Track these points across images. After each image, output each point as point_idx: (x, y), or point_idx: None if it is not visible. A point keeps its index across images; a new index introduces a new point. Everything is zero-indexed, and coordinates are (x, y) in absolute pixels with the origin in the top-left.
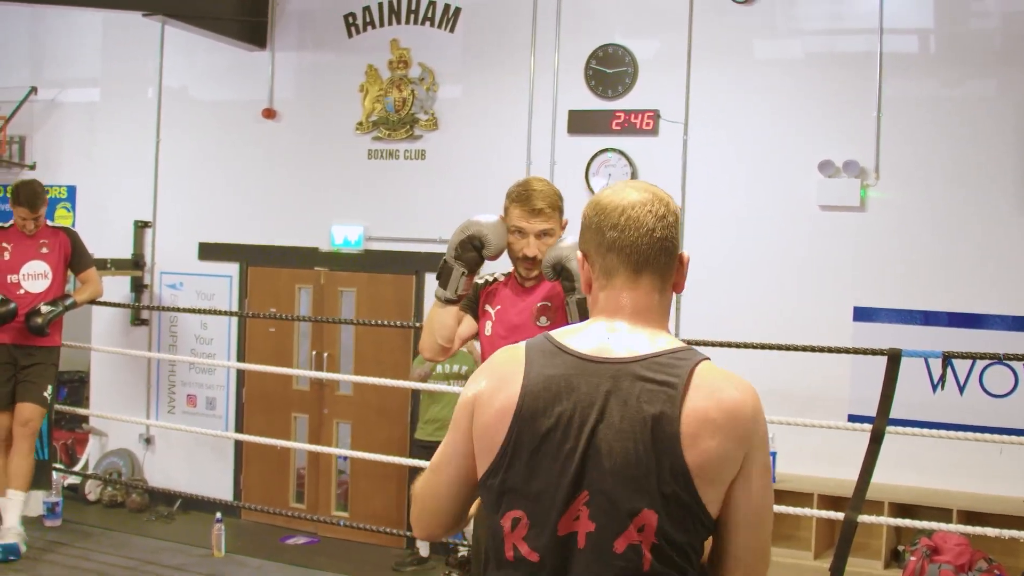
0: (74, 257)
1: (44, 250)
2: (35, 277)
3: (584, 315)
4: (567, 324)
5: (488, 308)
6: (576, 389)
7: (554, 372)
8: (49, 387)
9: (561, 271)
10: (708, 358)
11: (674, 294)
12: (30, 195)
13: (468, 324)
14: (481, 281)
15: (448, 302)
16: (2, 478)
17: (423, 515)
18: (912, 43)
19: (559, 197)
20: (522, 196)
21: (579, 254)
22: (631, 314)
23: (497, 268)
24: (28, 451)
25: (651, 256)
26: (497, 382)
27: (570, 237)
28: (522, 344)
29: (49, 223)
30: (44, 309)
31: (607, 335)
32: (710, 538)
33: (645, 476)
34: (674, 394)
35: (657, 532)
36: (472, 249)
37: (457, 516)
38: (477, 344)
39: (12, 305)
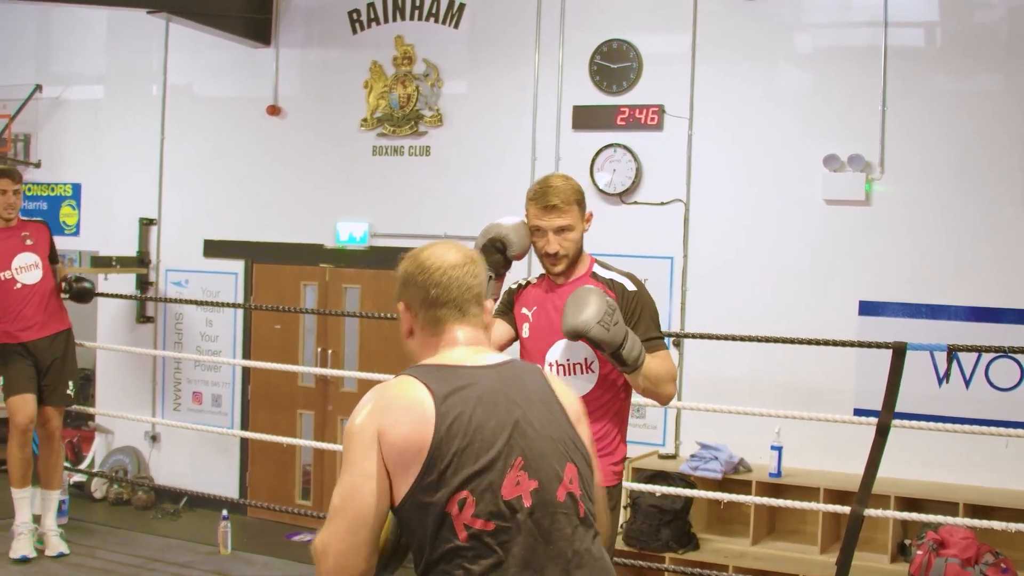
0: (52, 247)
1: (29, 242)
2: (27, 269)
3: (623, 363)
4: None
5: (525, 311)
6: (477, 383)
7: (454, 379)
8: (71, 383)
9: (587, 340)
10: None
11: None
12: (9, 168)
13: (504, 329)
14: (514, 286)
15: None
16: (21, 471)
17: (347, 559)
18: (918, 37)
19: (576, 192)
20: (537, 194)
21: (401, 304)
22: (471, 341)
23: (534, 271)
24: (50, 451)
25: (469, 307)
26: (399, 408)
27: (582, 291)
28: (404, 376)
29: (21, 217)
30: (85, 276)
31: (473, 354)
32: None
33: (560, 436)
34: (544, 385)
35: (580, 481)
36: (495, 251)
37: (373, 542)
38: None
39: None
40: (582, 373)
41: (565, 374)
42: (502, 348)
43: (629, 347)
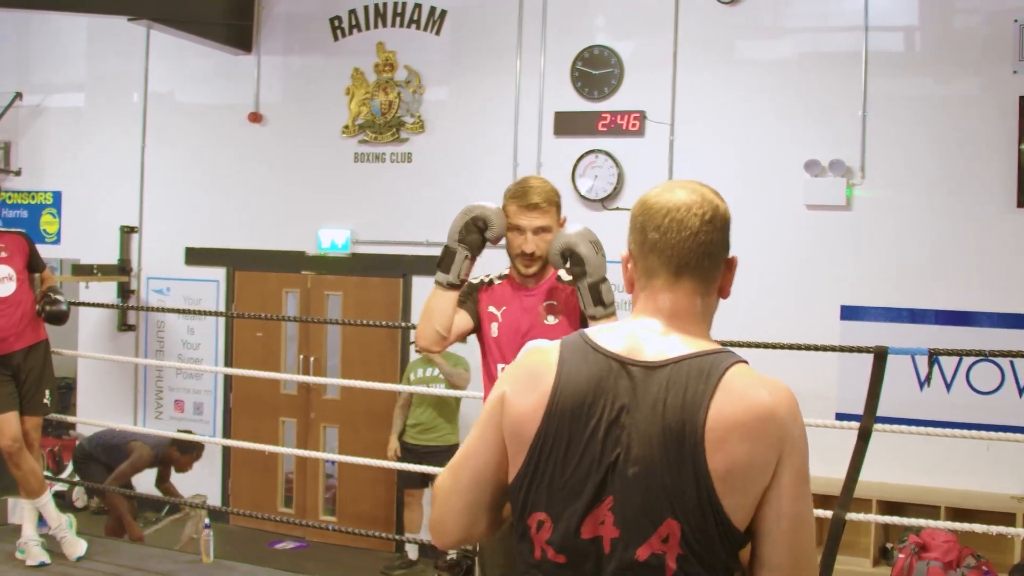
0: (32, 257)
1: (3, 254)
2: (0, 281)
3: (598, 300)
4: (579, 317)
5: (492, 310)
6: (605, 391)
7: (585, 372)
8: (47, 391)
9: (571, 256)
10: (744, 361)
11: (720, 299)
12: None
13: (463, 318)
14: (476, 281)
15: (451, 286)
16: (31, 484)
17: (445, 516)
18: (898, 41)
19: (556, 194)
20: (518, 192)
21: (624, 252)
22: (668, 316)
23: (492, 269)
24: (25, 461)
25: (692, 260)
26: (528, 380)
27: (576, 224)
28: (557, 342)
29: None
30: (59, 297)
31: (640, 336)
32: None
33: (669, 485)
34: (700, 398)
35: (682, 542)
36: (476, 231)
37: (480, 513)
38: (457, 367)
39: None
40: None
41: None
42: (459, 337)
43: (607, 289)
